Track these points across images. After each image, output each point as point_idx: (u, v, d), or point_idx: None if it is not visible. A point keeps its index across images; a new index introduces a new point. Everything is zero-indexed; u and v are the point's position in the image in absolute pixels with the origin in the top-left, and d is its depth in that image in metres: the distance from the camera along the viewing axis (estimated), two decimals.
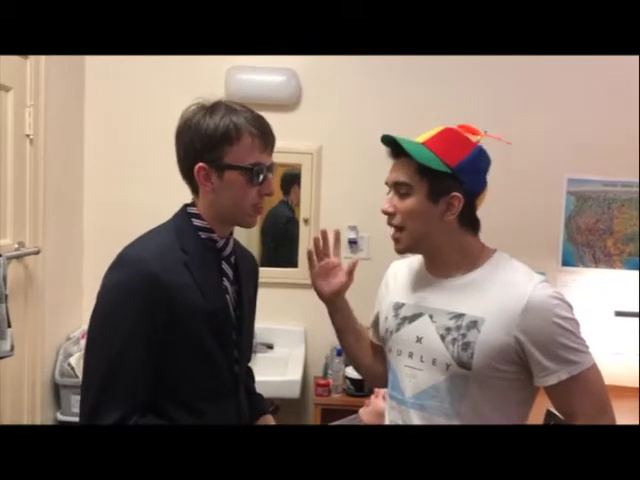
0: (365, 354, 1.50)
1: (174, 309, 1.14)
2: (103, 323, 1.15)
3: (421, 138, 1.25)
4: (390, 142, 1.24)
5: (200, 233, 1.23)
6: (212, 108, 1.20)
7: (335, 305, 1.44)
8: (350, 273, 1.42)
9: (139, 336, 1.12)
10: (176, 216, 1.27)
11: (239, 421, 1.29)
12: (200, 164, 1.18)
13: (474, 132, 1.27)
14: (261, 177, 1.21)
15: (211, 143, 1.17)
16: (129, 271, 1.14)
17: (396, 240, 1.27)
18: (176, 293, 1.15)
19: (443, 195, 1.20)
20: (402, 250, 1.28)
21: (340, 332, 1.47)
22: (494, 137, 1.28)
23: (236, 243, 1.35)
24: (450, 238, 1.24)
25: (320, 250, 1.43)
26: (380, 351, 1.46)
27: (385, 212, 1.26)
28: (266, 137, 1.22)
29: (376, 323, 1.45)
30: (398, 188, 1.24)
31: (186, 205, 1.27)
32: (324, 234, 1.44)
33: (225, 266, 1.28)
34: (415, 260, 1.37)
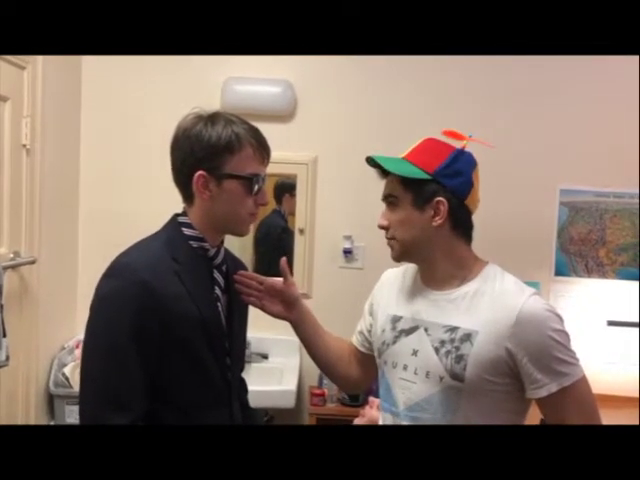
0: (338, 363, 1.49)
1: (166, 318, 1.15)
2: (97, 334, 1.16)
3: (403, 153, 1.30)
4: (375, 163, 1.29)
5: (191, 242, 1.25)
6: (212, 118, 1.22)
7: (297, 317, 1.43)
8: (285, 277, 1.41)
9: (133, 344, 1.13)
10: (166, 226, 1.28)
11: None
12: (200, 172, 1.20)
13: (458, 137, 1.31)
14: (258, 187, 1.23)
15: (213, 152, 1.19)
16: (121, 280, 1.15)
17: (391, 248, 1.31)
18: (168, 302, 1.16)
19: (428, 201, 1.24)
20: (396, 258, 1.32)
21: (308, 345, 1.46)
22: (479, 141, 1.30)
23: (227, 252, 1.36)
24: (443, 246, 1.26)
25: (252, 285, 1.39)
26: (360, 359, 1.48)
27: (380, 227, 1.31)
28: (264, 149, 1.25)
29: (368, 330, 1.45)
30: (388, 201, 1.30)
31: (176, 215, 1.29)
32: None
33: (217, 274, 1.29)
34: (410, 269, 1.38)
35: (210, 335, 1.23)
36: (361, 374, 1.50)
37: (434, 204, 1.23)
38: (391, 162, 1.27)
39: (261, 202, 1.26)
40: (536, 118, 2.81)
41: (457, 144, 1.29)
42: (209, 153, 1.19)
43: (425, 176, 1.23)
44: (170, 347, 1.17)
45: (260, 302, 1.39)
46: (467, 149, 1.29)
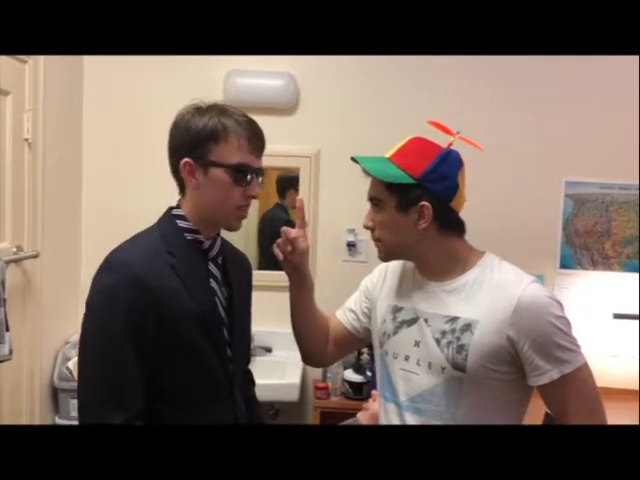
0: (319, 338, 1.47)
1: (162, 312, 1.15)
2: (92, 329, 1.16)
3: (389, 152, 1.28)
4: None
5: (186, 234, 1.24)
6: (204, 109, 1.22)
7: (302, 277, 1.41)
8: (302, 219, 1.39)
9: (130, 341, 1.12)
10: (161, 219, 1.28)
11: (236, 422, 1.29)
12: (186, 159, 1.21)
13: (445, 130, 1.29)
14: (247, 178, 1.22)
15: (198, 140, 1.20)
16: (115, 276, 1.15)
17: (377, 249, 1.32)
18: (163, 296, 1.15)
19: (412, 205, 1.23)
20: (383, 258, 1.33)
21: (300, 309, 1.45)
22: (466, 140, 1.28)
23: (226, 244, 1.36)
24: (432, 244, 1.26)
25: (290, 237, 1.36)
26: (339, 336, 1.47)
27: (365, 227, 1.31)
28: (254, 139, 1.23)
29: (363, 312, 1.44)
30: (373, 203, 1.29)
31: (171, 208, 1.28)
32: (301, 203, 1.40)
33: (212, 267, 1.28)
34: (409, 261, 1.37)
35: (207, 327, 1.22)
36: (333, 351, 1.49)
37: (418, 208, 1.22)
38: (375, 164, 1.26)
39: (250, 194, 1.24)
40: (541, 110, 2.79)
41: (444, 138, 1.27)
42: (194, 141, 1.20)
43: (410, 180, 1.22)
44: (167, 341, 1.16)
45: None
46: (468, 138, 1.28)
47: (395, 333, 1.31)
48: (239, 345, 1.32)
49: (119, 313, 1.12)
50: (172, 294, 1.17)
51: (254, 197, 1.25)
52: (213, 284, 1.27)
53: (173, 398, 1.20)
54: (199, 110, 1.22)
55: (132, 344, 1.13)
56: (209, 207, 1.23)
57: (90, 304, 1.17)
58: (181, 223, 1.24)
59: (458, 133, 1.28)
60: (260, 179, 1.27)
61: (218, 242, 1.30)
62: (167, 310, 1.15)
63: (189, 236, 1.24)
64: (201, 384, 1.22)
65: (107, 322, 1.13)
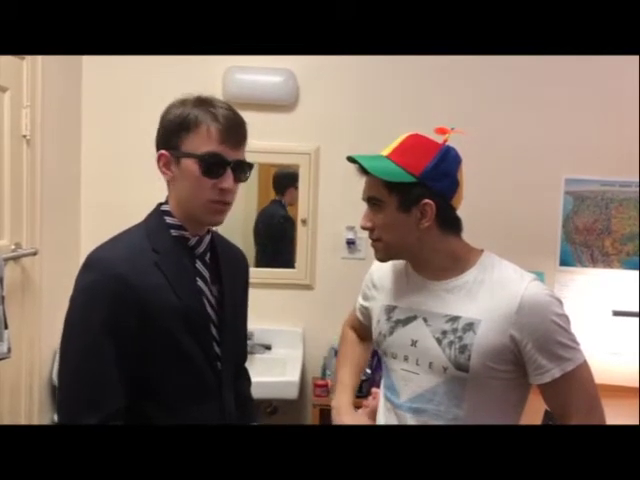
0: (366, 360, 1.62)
1: (146, 310, 1.13)
2: (72, 328, 1.15)
3: (386, 150, 1.26)
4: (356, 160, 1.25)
5: (171, 231, 1.22)
6: (184, 101, 1.21)
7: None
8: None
9: (110, 339, 1.11)
10: (149, 215, 1.26)
11: (223, 421, 1.27)
12: (161, 151, 1.20)
13: (448, 133, 1.27)
14: (218, 169, 1.17)
15: (171, 130, 1.18)
16: (96, 274, 1.13)
17: (375, 250, 1.30)
18: (147, 294, 1.14)
19: (414, 204, 1.21)
20: (383, 259, 1.31)
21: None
22: (458, 132, 1.27)
23: (219, 240, 1.33)
24: (433, 243, 1.25)
25: None
26: (365, 333, 1.51)
27: (363, 228, 1.29)
28: (229, 129, 1.18)
29: (362, 313, 1.48)
30: (371, 203, 1.27)
31: (160, 204, 1.26)
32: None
33: (199, 265, 1.25)
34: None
35: (193, 325, 1.20)
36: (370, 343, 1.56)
37: (421, 206, 1.20)
38: (374, 163, 1.23)
39: (222, 186, 1.18)
40: (541, 107, 2.78)
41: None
42: (167, 132, 1.19)
43: (411, 179, 1.20)
44: (151, 339, 1.15)
45: None
46: (464, 137, 1.27)
47: (391, 333, 1.30)
48: (229, 343, 1.29)
49: (100, 311, 1.11)
50: (155, 291, 1.15)
51: (227, 190, 1.19)
52: (200, 282, 1.24)
53: (158, 396, 1.18)
54: (180, 102, 1.21)
55: (113, 342, 1.11)
56: (184, 200, 1.21)
57: (72, 302, 1.16)
58: (168, 219, 1.22)
59: (453, 129, 1.27)
60: (246, 174, 1.23)
61: (206, 239, 1.27)
62: (150, 307, 1.14)
63: (175, 232, 1.22)
64: (187, 382, 1.20)
65: (87, 320, 1.12)
